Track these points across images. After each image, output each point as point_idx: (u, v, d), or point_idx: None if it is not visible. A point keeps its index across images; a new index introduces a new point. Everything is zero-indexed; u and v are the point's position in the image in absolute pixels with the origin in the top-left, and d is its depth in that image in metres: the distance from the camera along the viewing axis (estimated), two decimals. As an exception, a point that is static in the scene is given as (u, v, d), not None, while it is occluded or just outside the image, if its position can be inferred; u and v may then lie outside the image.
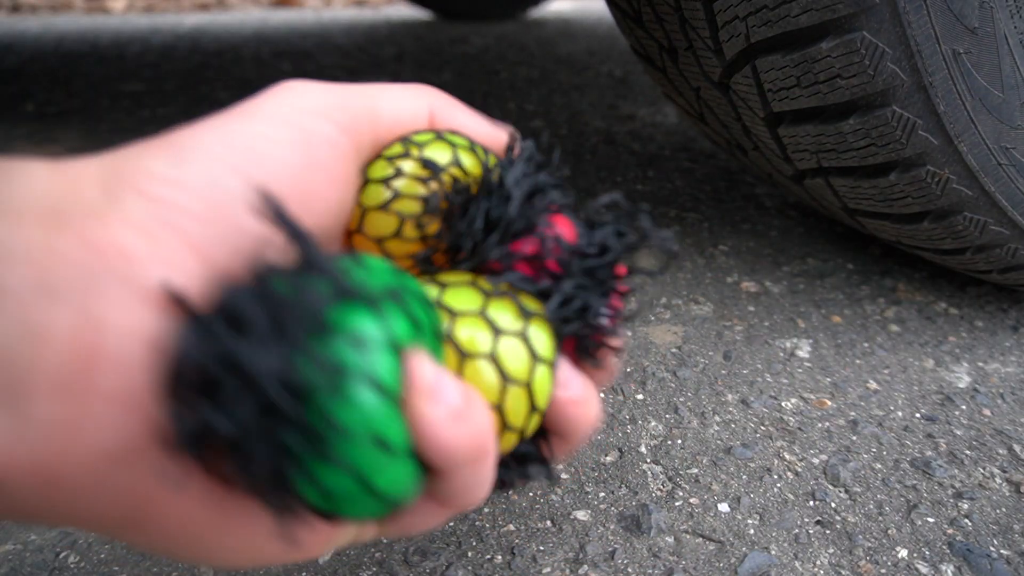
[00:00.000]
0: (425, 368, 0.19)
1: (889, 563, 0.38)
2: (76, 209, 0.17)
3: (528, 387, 0.22)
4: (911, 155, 0.50)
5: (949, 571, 0.37)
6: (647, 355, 0.57)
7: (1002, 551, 0.39)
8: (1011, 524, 0.41)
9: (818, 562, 0.38)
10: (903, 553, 0.39)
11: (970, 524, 0.40)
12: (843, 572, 0.37)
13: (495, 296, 0.23)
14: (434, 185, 0.23)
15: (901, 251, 0.74)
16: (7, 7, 2.60)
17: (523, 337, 0.22)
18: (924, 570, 0.38)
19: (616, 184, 0.93)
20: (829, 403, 0.51)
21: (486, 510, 0.41)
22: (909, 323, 0.62)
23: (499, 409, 0.22)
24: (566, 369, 0.24)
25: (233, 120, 0.21)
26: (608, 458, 0.46)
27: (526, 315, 0.23)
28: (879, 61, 0.46)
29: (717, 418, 0.49)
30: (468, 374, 0.21)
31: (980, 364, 0.56)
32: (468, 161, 0.24)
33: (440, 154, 0.24)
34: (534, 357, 0.22)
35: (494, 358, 0.22)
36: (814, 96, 0.50)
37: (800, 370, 0.55)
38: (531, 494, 0.43)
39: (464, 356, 0.21)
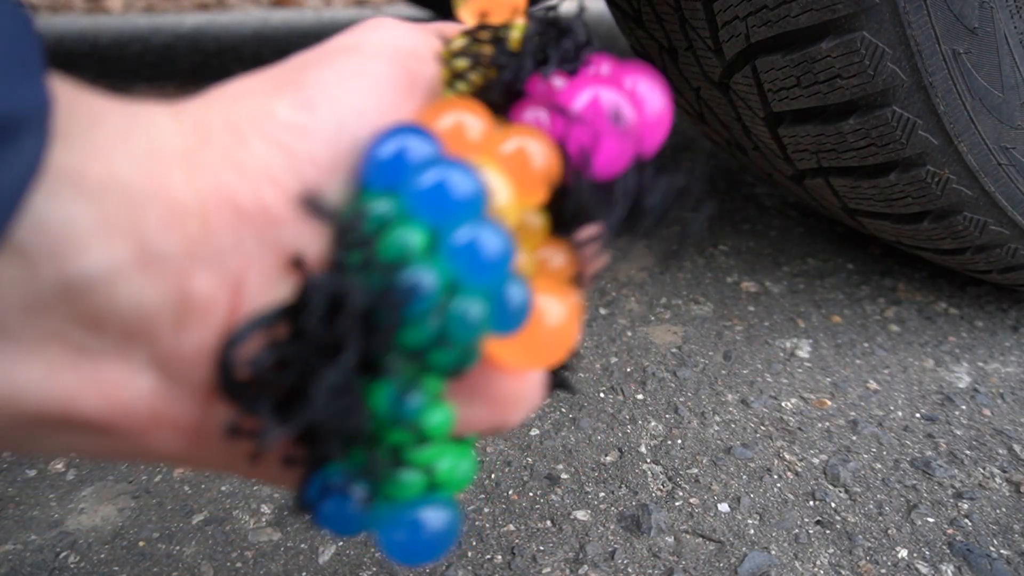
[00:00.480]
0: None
1: (889, 563, 0.38)
2: (211, 158, 0.17)
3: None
4: (911, 155, 0.50)
5: (949, 571, 0.37)
6: (647, 355, 0.57)
7: (1002, 551, 0.39)
8: (1011, 524, 0.41)
9: (818, 562, 0.38)
10: (903, 553, 0.39)
11: (970, 524, 0.40)
12: (843, 572, 0.37)
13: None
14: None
15: (901, 251, 0.74)
16: (7, 7, 2.60)
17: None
18: (924, 570, 0.38)
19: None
20: (829, 403, 0.51)
21: (486, 510, 0.41)
22: (909, 323, 0.62)
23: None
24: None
25: (343, 58, 0.20)
26: (608, 458, 0.46)
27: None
28: (879, 61, 0.46)
29: (717, 418, 0.49)
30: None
31: (980, 364, 0.56)
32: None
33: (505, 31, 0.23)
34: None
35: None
36: (814, 96, 0.50)
37: (800, 370, 0.55)
38: (531, 494, 0.43)
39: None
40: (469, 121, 0.20)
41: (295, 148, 0.18)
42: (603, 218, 0.21)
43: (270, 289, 0.17)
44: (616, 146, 0.21)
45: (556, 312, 0.20)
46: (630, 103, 0.22)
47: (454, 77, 0.22)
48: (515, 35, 0.23)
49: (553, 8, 0.24)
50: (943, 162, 0.50)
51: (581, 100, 0.21)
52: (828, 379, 0.54)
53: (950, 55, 0.46)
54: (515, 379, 0.20)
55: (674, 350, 0.57)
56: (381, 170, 0.18)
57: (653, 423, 0.49)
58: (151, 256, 0.16)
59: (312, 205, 0.17)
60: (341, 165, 0.18)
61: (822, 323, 0.62)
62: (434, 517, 0.19)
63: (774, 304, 0.65)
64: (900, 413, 0.50)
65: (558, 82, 0.22)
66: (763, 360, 0.56)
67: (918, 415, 0.50)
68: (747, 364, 0.56)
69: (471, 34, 0.23)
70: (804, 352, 0.57)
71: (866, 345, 0.58)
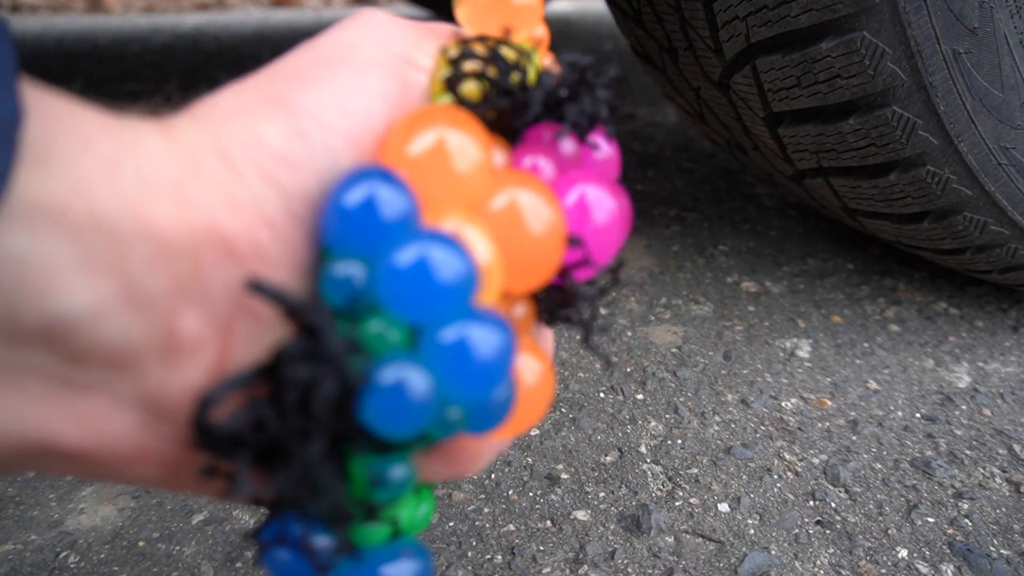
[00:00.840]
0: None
1: (889, 563, 0.38)
2: (204, 191, 0.16)
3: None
4: (911, 155, 0.50)
5: (949, 571, 0.37)
6: (647, 355, 0.57)
7: (1002, 551, 0.39)
8: (1011, 524, 0.41)
9: (818, 562, 0.38)
10: (903, 553, 0.39)
11: (970, 524, 0.40)
12: (843, 572, 0.37)
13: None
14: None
15: (901, 251, 0.74)
16: (7, 7, 2.60)
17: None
18: (924, 570, 0.38)
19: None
20: (829, 403, 0.51)
21: (486, 510, 0.41)
22: (909, 323, 0.62)
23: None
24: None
25: (335, 71, 0.19)
26: (608, 458, 0.46)
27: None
28: (879, 61, 0.46)
29: (717, 418, 0.49)
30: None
31: (980, 364, 0.56)
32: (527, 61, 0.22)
33: (500, 49, 0.22)
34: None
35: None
36: (814, 96, 0.50)
37: (800, 370, 0.55)
38: (531, 494, 0.43)
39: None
40: (459, 146, 0.18)
41: (288, 184, 0.17)
42: (579, 316, 0.21)
43: (262, 333, 0.17)
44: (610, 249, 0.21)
45: (532, 378, 0.19)
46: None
47: (452, 79, 0.21)
48: (532, 62, 0.22)
49: (586, 64, 0.22)
50: (943, 162, 0.50)
51: (580, 200, 0.20)
52: (828, 379, 0.54)
53: (950, 55, 0.46)
54: (479, 439, 0.20)
55: (674, 350, 0.57)
56: (348, 224, 0.16)
57: (653, 423, 0.49)
58: (137, 295, 0.15)
59: (259, 290, 0.16)
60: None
61: (822, 323, 0.62)
62: (401, 571, 0.18)
63: (774, 304, 0.65)
64: (900, 413, 0.50)
65: (568, 147, 0.21)
66: (763, 360, 0.56)
67: (918, 415, 0.50)
68: (747, 364, 0.56)
69: (477, 43, 0.21)
70: (804, 352, 0.57)
71: (866, 345, 0.58)
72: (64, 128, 0.15)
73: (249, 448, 0.16)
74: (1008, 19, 0.47)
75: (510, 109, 0.20)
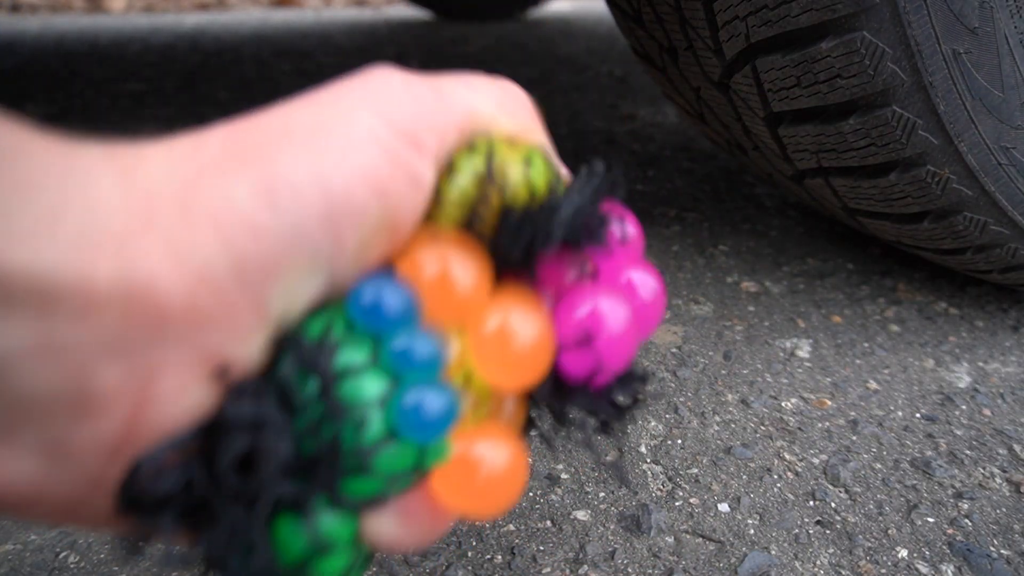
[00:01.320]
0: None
1: (889, 563, 0.38)
2: (151, 245, 0.15)
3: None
4: (911, 155, 0.50)
5: (949, 571, 0.37)
6: (647, 355, 0.57)
7: (1002, 551, 0.39)
8: (1011, 524, 0.41)
9: (818, 562, 0.38)
10: (903, 553, 0.39)
11: (970, 524, 0.40)
12: (843, 572, 0.37)
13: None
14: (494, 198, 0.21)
15: (901, 251, 0.74)
16: (7, 7, 2.60)
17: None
18: (924, 570, 0.38)
19: (616, 184, 0.93)
20: (829, 403, 0.51)
21: (486, 510, 0.41)
22: (909, 323, 0.62)
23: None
24: None
25: (326, 143, 0.18)
26: (608, 458, 0.46)
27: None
28: (879, 61, 0.46)
29: (717, 418, 0.49)
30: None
31: (980, 364, 0.56)
32: (537, 165, 0.22)
33: (509, 165, 0.21)
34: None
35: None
36: (814, 96, 0.50)
37: (800, 370, 0.55)
38: (531, 494, 0.43)
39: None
40: (458, 273, 0.20)
41: (244, 250, 0.16)
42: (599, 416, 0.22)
43: (186, 390, 0.16)
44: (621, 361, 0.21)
45: (498, 462, 0.20)
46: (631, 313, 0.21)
47: (469, 220, 0.20)
48: (537, 178, 0.21)
49: (601, 180, 0.22)
50: (943, 162, 0.50)
51: (591, 313, 0.20)
52: (828, 379, 0.54)
53: (950, 55, 0.46)
54: (437, 498, 0.20)
55: (674, 350, 0.57)
56: (359, 315, 0.18)
57: (653, 423, 0.49)
58: (55, 345, 0.15)
59: (224, 375, 0.16)
60: (291, 272, 0.17)
61: (822, 323, 0.62)
62: None
63: (774, 304, 0.65)
64: (900, 413, 0.50)
65: (584, 269, 0.21)
66: (763, 360, 0.56)
67: (918, 415, 0.50)
68: (747, 364, 0.56)
69: (492, 154, 0.21)
70: (804, 352, 0.57)
71: (866, 345, 0.58)
72: (13, 170, 0.15)
73: (175, 509, 0.16)
74: (1008, 19, 0.47)
75: (521, 248, 0.20)
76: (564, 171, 0.24)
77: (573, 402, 0.22)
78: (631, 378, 0.22)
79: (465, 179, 0.21)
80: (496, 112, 0.22)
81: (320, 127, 0.18)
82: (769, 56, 0.50)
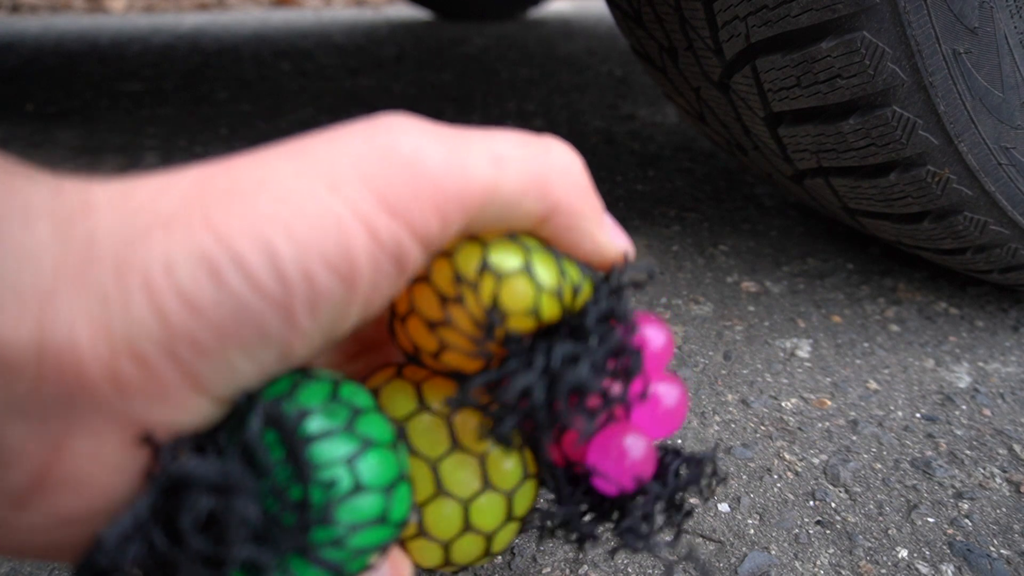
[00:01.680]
0: None
1: (889, 563, 0.38)
2: (77, 306, 0.14)
3: (488, 539, 0.22)
4: (911, 155, 0.50)
5: (949, 571, 0.37)
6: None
7: (1002, 551, 0.39)
8: (1011, 524, 0.41)
9: (818, 562, 0.38)
10: (903, 553, 0.39)
11: (970, 524, 0.40)
12: (843, 572, 0.37)
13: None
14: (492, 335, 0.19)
15: (901, 251, 0.74)
16: (7, 7, 2.60)
17: (508, 496, 0.22)
18: (924, 570, 0.38)
19: (616, 184, 0.93)
20: (829, 403, 0.51)
21: (486, 510, 0.41)
22: (909, 323, 0.62)
23: (446, 546, 0.21)
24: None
25: (298, 210, 0.16)
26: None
27: (525, 475, 0.22)
28: (879, 61, 0.46)
29: (717, 418, 0.49)
30: (432, 506, 0.21)
31: (980, 364, 0.56)
32: (548, 307, 0.19)
33: (517, 295, 0.18)
34: (509, 517, 0.22)
35: (468, 507, 0.21)
36: (814, 96, 0.50)
37: (800, 370, 0.55)
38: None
39: (437, 491, 0.21)
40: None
41: (178, 324, 0.15)
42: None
43: (105, 451, 0.15)
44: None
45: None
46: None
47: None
48: (545, 304, 0.19)
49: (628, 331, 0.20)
50: (943, 162, 0.50)
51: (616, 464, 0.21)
52: (828, 379, 0.54)
53: (950, 55, 0.46)
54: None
55: (674, 350, 0.57)
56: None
57: (653, 423, 0.49)
58: None
59: (150, 442, 0.15)
60: (231, 351, 0.15)
61: (822, 323, 0.62)
62: None
63: (774, 304, 0.65)
64: (900, 413, 0.50)
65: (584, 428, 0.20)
66: (763, 360, 0.56)
67: (918, 415, 0.50)
68: (747, 364, 0.56)
69: (483, 268, 0.18)
70: (804, 352, 0.57)
71: (866, 345, 0.58)
72: None
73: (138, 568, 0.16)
74: (1008, 19, 0.47)
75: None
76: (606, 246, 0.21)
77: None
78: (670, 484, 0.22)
79: (450, 289, 0.19)
80: (524, 191, 0.18)
81: (290, 190, 0.16)
82: (769, 56, 0.50)
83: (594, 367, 0.19)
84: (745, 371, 0.55)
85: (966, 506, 0.42)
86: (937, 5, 0.44)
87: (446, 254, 0.19)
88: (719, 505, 0.42)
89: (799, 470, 0.45)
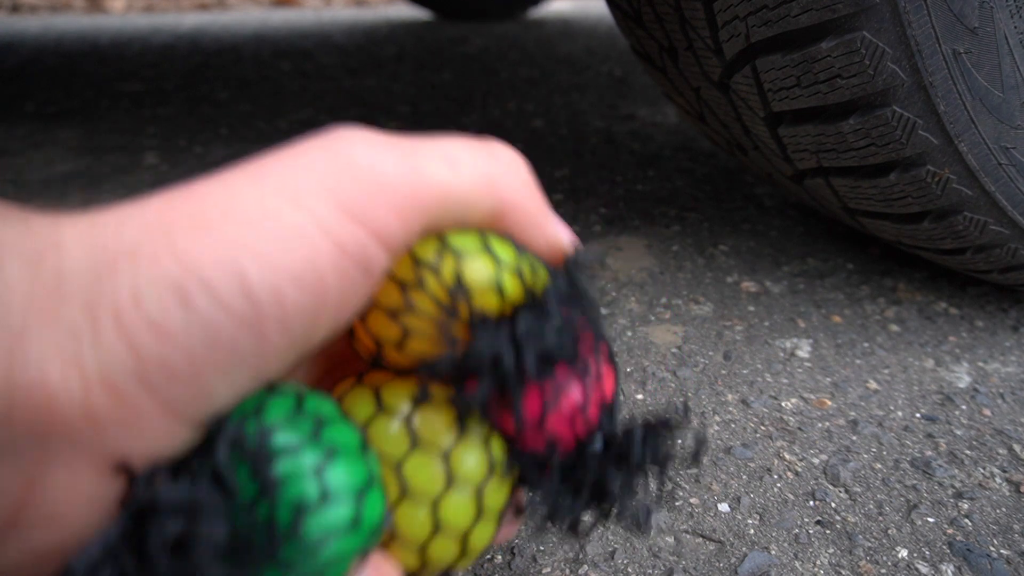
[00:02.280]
0: None
1: (889, 563, 0.38)
2: (46, 342, 0.14)
3: (463, 538, 0.21)
4: (911, 155, 0.50)
5: (949, 571, 0.37)
6: (647, 355, 0.57)
7: (1002, 551, 0.39)
8: (1011, 524, 0.41)
9: (818, 562, 0.38)
10: (903, 553, 0.39)
11: (970, 524, 0.40)
12: (843, 572, 0.37)
13: (465, 433, 0.21)
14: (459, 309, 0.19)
15: (901, 251, 0.74)
16: (7, 7, 2.60)
17: (477, 491, 0.21)
18: (924, 570, 0.38)
19: (616, 184, 0.93)
20: (829, 403, 0.51)
21: (486, 510, 0.41)
22: (909, 323, 0.62)
23: (421, 549, 0.21)
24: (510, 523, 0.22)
25: (260, 231, 0.16)
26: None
27: (491, 468, 0.21)
28: (879, 61, 0.46)
29: (717, 418, 0.49)
30: (401, 509, 0.20)
31: (980, 364, 0.56)
32: (510, 283, 0.20)
33: (478, 271, 0.19)
34: (480, 513, 0.21)
35: (436, 506, 0.20)
36: (814, 96, 0.50)
37: (800, 370, 0.55)
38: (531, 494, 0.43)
39: (403, 493, 0.20)
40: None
41: (149, 354, 0.15)
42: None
43: (76, 486, 0.15)
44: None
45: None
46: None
47: (403, 306, 0.19)
48: (508, 284, 0.20)
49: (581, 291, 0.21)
50: (943, 162, 0.50)
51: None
52: (828, 379, 0.54)
53: (950, 55, 0.46)
54: None
55: (674, 350, 0.57)
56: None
57: (653, 423, 0.49)
58: None
59: (126, 470, 0.15)
60: (206, 376, 0.16)
61: (822, 323, 0.62)
62: None
63: (774, 304, 0.65)
64: (900, 413, 0.50)
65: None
66: (763, 360, 0.56)
67: (918, 415, 0.50)
68: (747, 364, 0.56)
69: (443, 250, 0.19)
70: (804, 352, 0.57)
71: (866, 345, 0.58)
72: None
73: None
74: (1008, 19, 0.47)
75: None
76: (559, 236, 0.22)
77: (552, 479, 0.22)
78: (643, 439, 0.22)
79: (410, 274, 0.19)
80: (476, 190, 0.20)
81: (254, 212, 0.16)
82: (769, 56, 0.50)
83: (559, 336, 0.19)
84: (745, 371, 0.55)
85: (966, 506, 0.42)
86: (937, 5, 0.44)
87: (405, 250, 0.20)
88: (719, 505, 0.42)
89: (799, 470, 0.45)
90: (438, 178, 0.19)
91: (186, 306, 0.15)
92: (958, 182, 0.51)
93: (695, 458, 0.23)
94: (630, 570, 0.37)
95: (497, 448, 0.22)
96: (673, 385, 0.53)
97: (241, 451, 0.17)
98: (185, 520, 0.16)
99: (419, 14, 2.52)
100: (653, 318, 0.62)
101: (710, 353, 0.57)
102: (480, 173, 0.20)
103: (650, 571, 0.37)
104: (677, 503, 0.42)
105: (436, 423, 0.21)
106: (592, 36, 2.04)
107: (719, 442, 0.47)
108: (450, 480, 0.20)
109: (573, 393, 0.21)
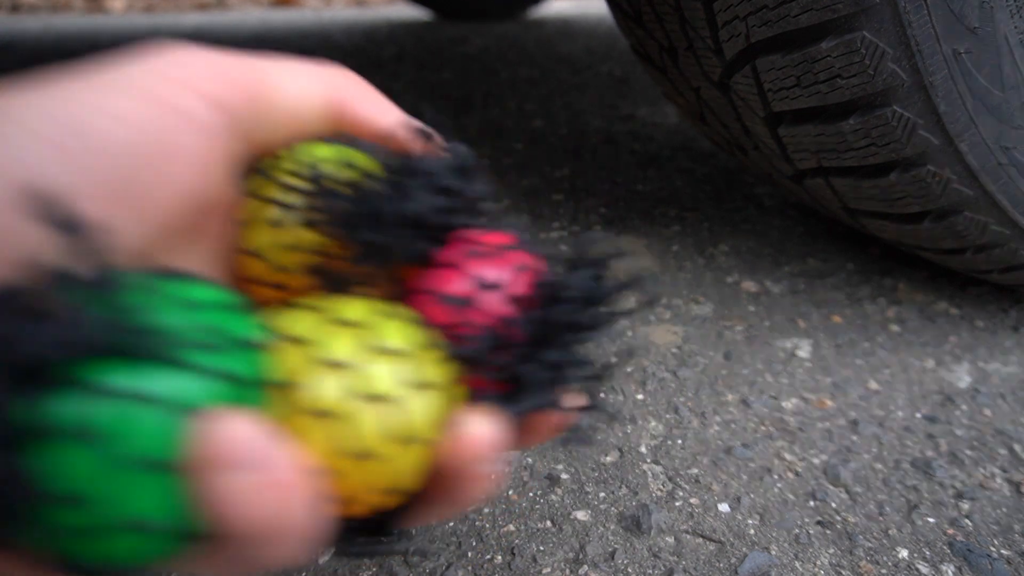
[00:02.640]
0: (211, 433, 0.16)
1: (890, 563, 0.38)
2: None
3: (397, 406, 0.18)
4: (911, 155, 0.50)
5: (949, 571, 0.37)
6: (647, 355, 0.57)
7: (1002, 551, 0.39)
8: (1011, 524, 0.41)
9: (818, 562, 0.38)
10: (904, 553, 0.39)
11: (970, 524, 0.40)
12: (843, 572, 0.37)
13: (388, 318, 0.20)
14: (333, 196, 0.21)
15: (901, 251, 0.74)
16: (7, 7, 2.60)
17: (399, 355, 0.19)
18: (924, 570, 0.37)
19: (616, 184, 0.93)
20: (829, 403, 0.51)
21: (486, 510, 0.41)
22: (909, 323, 0.62)
23: (345, 421, 0.18)
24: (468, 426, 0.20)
25: (78, 88, 0.18)
26: (608, 458, 0.46)
27: (418, 342, 0.20)
28: (879, 61, 0.46)
29: (717, 418, 0.49)
30: (313, 379, 0.18)
31: (981, 364, 0.56)
32: (360, 158, 0.23)
33: (326, 150, 0.22)
34: (410, 382, 0.19)
35: (355, 371, 0.18)
36: (814, 96, 0.50)
37: (800, 370, 0.55)
38: (531, 494, 0.43)
39: (316, 362, 0.18)
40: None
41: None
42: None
43: None
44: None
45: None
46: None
47: (276, 218, 0.21)
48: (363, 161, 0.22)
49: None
50: (943, 162, 0.50)
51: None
52: (828, 379, 0.54)
53: (950, 55, 0.46)
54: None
55: (674, 350, 0.57)
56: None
57: (653, 423, 0.49)
58: None
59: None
60: (11, 221, 0.16)
61: (822, 323, 0.62)
62: None
63: (774, 304, 0.65)
64: (901, 413, 0.50)
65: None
66: (763, 360, 0.56)
67: (919, 415, 0.50)
68: (747, 364, 0.56)
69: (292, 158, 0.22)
70: (804, 352, 0.57)
71: (867, 345, 0.58)
72: None
73: None
74: (1008, 19, 0.47)
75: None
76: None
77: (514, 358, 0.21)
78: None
79: (270, 187, 0.22)
80: (302, 73, 0.22)
81: (82, 82, 0.19)
82: (769, 56, 0.50)
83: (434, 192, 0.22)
84: (745, 371, 0.55)
85: (966, 506, 0.42)
86: (937, 5, 0.44)
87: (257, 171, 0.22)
88: (719, 505, 0.42)
89: (799, 470, 0.45)
90: (264, 62, 0.22)
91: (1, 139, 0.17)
92: (958, 182, 0.51)
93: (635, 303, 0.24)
94: (630, 570, 0.37)
95: (422, 330, 0.20)
96: (673, 385, 0.53)
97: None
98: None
99: (419, 14, 2.52)
100: (653, 318, 0.62)
101: (710, 353, 0.57)
102: (308, 64, 0.23)
103: (650, 571, 0.37)
104: (677, 503, 0.42)
105: (352, 308, 0.20)
106: (592, 36, 2.04)
107: (719, 442, 0.47)
108: (371, 349, 0.19)
109: (481, 266, 0.21)
